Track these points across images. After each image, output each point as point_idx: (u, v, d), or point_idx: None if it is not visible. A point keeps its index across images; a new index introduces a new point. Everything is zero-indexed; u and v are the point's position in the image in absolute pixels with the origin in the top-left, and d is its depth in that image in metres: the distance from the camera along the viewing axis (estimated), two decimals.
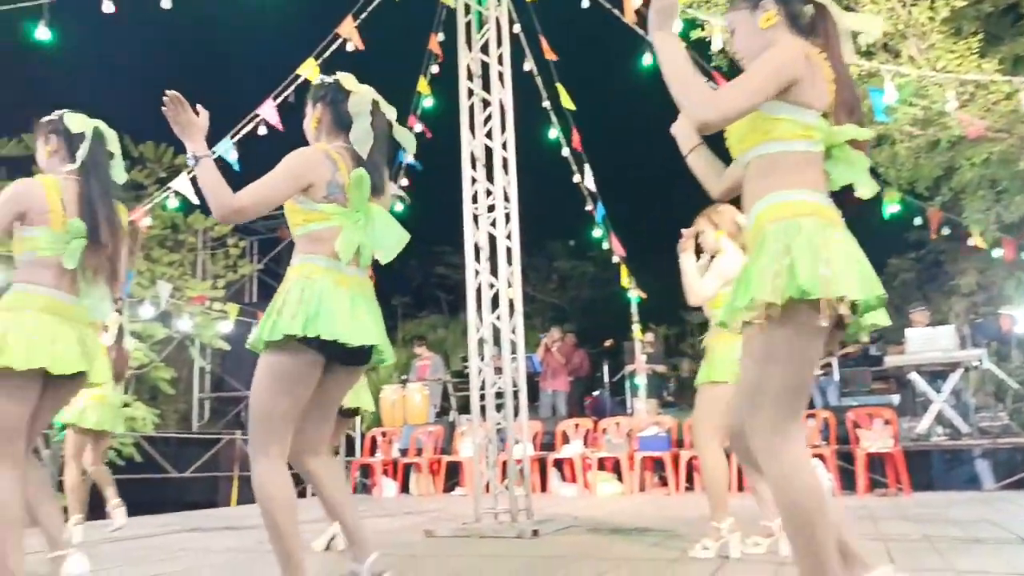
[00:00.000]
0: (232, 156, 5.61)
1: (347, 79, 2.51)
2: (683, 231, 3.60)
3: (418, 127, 6.55)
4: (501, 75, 5.29)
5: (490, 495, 4.91)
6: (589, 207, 7.37)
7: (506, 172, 5.22)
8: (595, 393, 11.87)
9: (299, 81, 5.55)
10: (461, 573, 3.36)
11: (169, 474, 9.28)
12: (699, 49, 6.74)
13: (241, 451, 10.01)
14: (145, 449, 9.17)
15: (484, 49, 5.30)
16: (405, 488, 9.01)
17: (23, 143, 9.79)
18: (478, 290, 5.13)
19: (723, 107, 1.75)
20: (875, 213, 6.47)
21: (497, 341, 5.03)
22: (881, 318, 1.87)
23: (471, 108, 5.26)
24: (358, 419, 8.38)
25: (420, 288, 19.43)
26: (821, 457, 6.66)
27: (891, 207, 6.51)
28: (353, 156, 2.41)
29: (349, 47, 5.77)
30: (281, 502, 2.21)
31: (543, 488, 8.13)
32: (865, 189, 1.91)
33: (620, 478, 7.89)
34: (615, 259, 7.95)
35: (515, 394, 5.00)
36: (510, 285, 5.06)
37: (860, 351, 9.45)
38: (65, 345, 2.54)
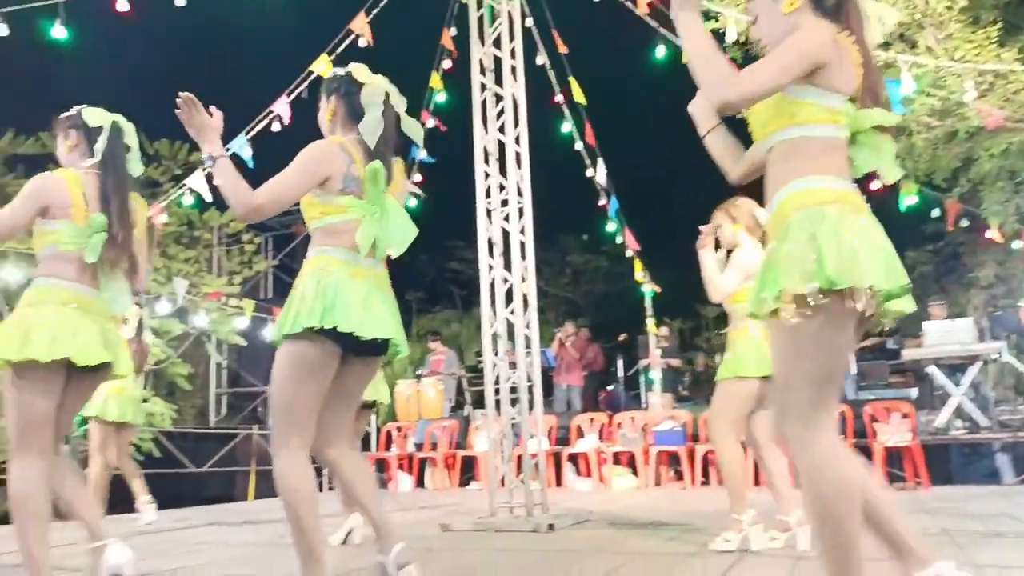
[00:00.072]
0: (246, 153, 5.64)
1: (360, 70, 2.51)
2: (702, 228, 3.58)
3: (431, 122, 6.55)
4: (514, 69, 5.27)
5: (505, 489, 4.92)
6: (602, 201, 7.34)
7: (519, 167, 5.22)
8: (609, 387, 11.86)
9: (312, 78, 5.57)
10: (477, 567, 3.37)
11: (187, 469, 9.37)
12: None
13: (258, 446, 10.09)
14: (163, 444, 9.26)
15: (496, 43, 5.29)
16: (420, 482, 9.05)
17: (40, 141, 9.88)
18: (492, 285, 5.13)
19: (745, 87, 1.73)
20: (892, 205, 6.41)
21: (511, 336, 5.04)
22: (906, 305, 1.85)
23: (484, 103, 5.26)
24: (373, 414, 8.42)
25: (433, 283, 19.49)
26: None
27: (908, 199, 6.43)
28: (366, 149, 2.41)
29: (361, 43, 5.77)
30: (303, 494, 2.21)
31: (558, 483, 8.13)
32: (891, 175, 1.88)
33: (635, 472, 7.88)
34: (629, 253, 7.92)
35: (530, 389, 5.00)
36: (524, 280, 5.06)
37: (878, 345, 9.38)
38: (87, 337, 2.57)
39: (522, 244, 5.12)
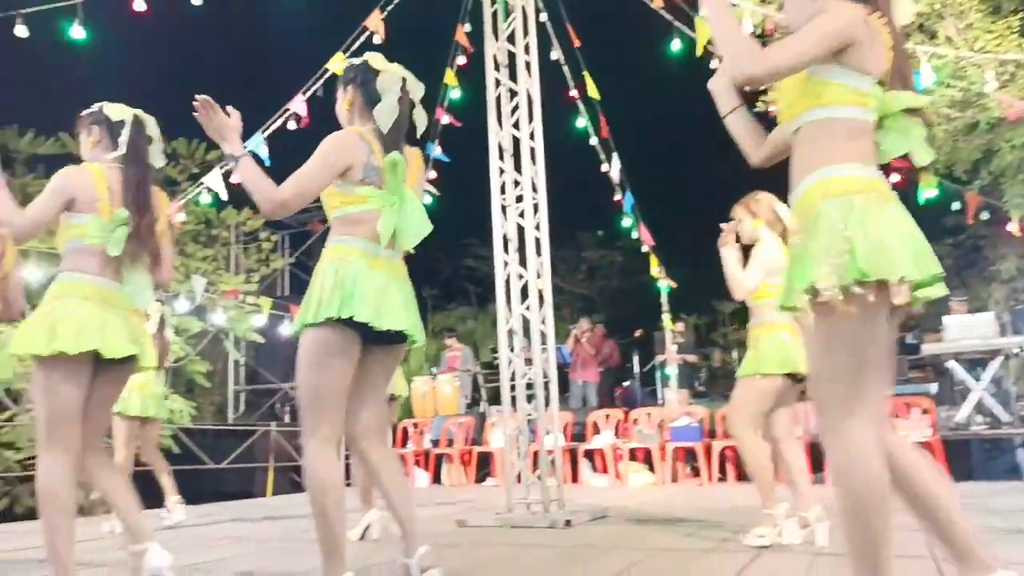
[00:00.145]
0: (263, 152, 5.67)
1: (376, 59, 2.52)
2: (723, 226, 3.56)
3: (445, 118, 6.55)
4: (528, 65, 5.27)
5: (522, 485, 4.92)
6: (618, 196, 7.31)
7: (534, 162, 5.21)
8: (625, 383, 11.84)
9: (327, 75, 5.59)
10: (495, 563, 3.38)
11: (206, 465, 9.46)
12: None
13: (276, 442, 10.17)
14: (183, 441, 9.35)
15: (511, 39, 5.28)
16: (437, 479, 9.08)
17: (59, 141, 9.99)
18: (507, 281, 5.13)
19: (770, 62, 1.72)
20: (911, 198, 6.33)
21: (527, 332, 5.04)
22: (937, 291, 1.81)
23: (498, 99, 5.25)
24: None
25: (449, 280, 19.53)
26: None
27: (928, 191, 6.30)
28: (382, 138, 2.42)
29: (376, 40, 5.79)
30: (331, 484, 2.22)
31: (574, 479, 8.13)
32: (922, 157, 1.84)
33: (652, 469, 7.86)
34: (644, 248, 7.89)
35: (545, 385, 5.00)
36: (539, 276, 5.05)
37: (897, 339, 9.27)
38: (113, 330, 2.59)
39: (537, 240, 5.11)
